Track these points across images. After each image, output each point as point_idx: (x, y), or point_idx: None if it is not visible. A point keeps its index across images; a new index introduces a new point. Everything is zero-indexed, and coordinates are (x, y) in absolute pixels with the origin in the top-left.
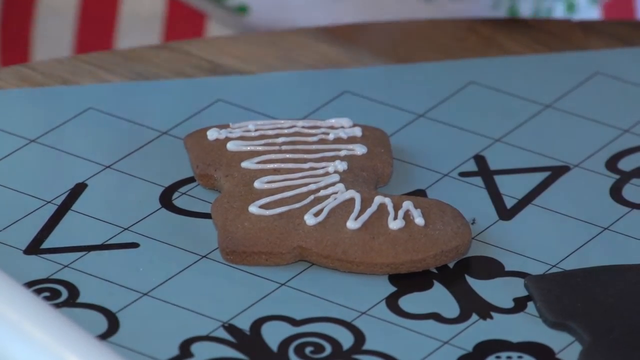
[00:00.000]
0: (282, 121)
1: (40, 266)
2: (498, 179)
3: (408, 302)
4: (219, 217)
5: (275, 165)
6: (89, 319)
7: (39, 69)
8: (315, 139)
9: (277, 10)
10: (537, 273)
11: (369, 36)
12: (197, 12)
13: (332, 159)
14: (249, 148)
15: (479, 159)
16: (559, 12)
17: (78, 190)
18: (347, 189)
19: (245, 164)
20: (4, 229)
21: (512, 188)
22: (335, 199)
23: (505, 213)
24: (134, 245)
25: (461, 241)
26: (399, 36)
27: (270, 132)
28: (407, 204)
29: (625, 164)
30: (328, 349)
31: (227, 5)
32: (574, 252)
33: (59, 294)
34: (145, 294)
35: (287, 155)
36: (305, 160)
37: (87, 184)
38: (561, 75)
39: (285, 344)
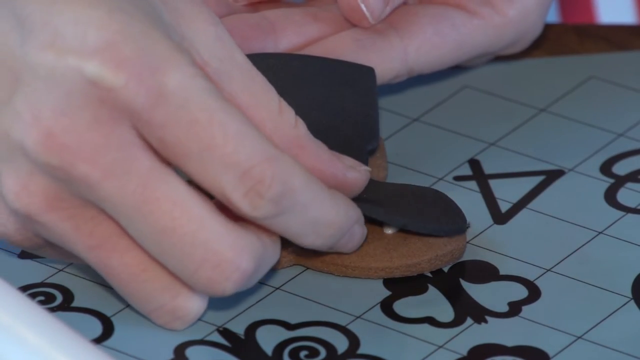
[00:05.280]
0: None
1: (34, 270)
2: (493, 183)
3: (403, 306)
4: None
5: None
6: (83, 323)
7: None
8: None
9: None
10: (532, 277)
11: None
12: None
13: None
14: None
15: (474, 163)
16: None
17: None
18: None
19: None
20: None
21: (507, 192)
22: None
23: (500, 217)
24: None
25: (456, 245)
26: None
27: None
28: None
29: (620, 168)
30: (323, 353)
31: None
32: (568, 256)
33: (53, 298)
34: None
35: None
36: None
37: None
38: (556, 79)
39: (279, 348)
